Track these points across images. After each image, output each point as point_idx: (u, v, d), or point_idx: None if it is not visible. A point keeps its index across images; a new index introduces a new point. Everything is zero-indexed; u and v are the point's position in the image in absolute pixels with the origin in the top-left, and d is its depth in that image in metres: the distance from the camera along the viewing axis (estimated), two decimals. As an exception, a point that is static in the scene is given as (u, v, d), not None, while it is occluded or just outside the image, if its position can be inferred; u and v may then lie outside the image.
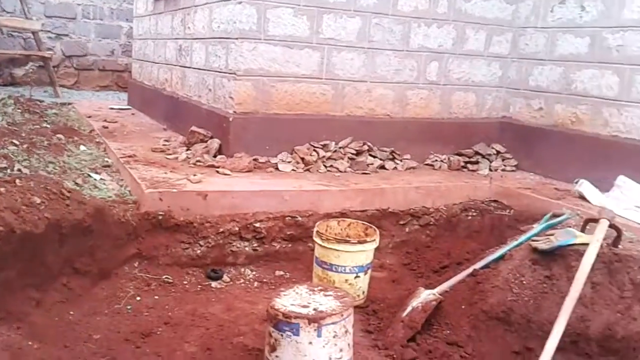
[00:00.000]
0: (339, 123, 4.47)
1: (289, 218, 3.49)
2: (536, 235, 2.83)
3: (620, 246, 2.69)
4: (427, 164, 4.73)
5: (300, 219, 3.52)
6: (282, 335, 2.02)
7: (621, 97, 4.20)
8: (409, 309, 2.68)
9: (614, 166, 4.03)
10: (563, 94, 4.60)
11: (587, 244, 2.52)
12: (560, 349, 2.26)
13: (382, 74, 4.59)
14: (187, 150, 4.26)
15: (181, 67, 5.35)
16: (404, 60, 4.64)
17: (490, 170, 4.68)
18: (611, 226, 2.63)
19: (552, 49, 4.69)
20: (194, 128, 4.40)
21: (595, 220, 2.64)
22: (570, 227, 2.83)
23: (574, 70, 4.52)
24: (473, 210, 4.10)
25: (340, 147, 4.39)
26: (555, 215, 2.97)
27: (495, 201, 4.15)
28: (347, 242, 2.99)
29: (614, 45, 4.24)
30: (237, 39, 4.09)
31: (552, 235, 2.72)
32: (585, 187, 3.91)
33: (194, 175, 3.58)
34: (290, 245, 3.50)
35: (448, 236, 3.94)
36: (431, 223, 3.96)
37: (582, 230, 2.73)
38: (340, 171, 4.18)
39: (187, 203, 3.29)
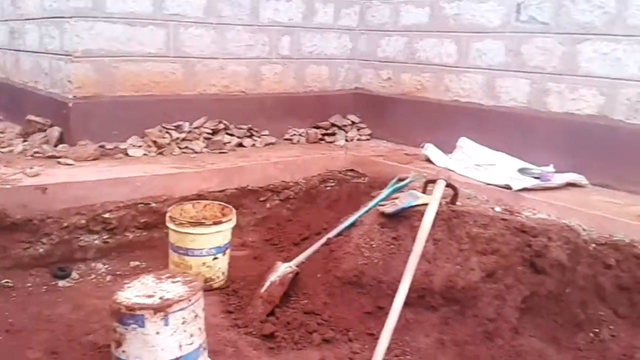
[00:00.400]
0: (192, 102, 4.33)
1: (142, 205, 3.35)
2: (384, 199, 2.95)
3: (458, 203, 2.89)
4: (286, 139, 4.75)
5: (154, 205, 3.39)
6: (127, 329, 1.92)
7: (459, 63, 4.47)
8: (267, 284, 2.69)
9: (456, 129, 4.29)
10: (409, 63, 4.81)
11: (427, 204, 2.67)
12: (408, 304, 2.39)
13: (234, 50, 4.49)
14: (24, 141, 3.90)
15: (14, 51, 4.86)
16: (255, 36, 4.58)
17: (347, 140, 4.81)
18: (448, 185, 2.81)
19: (397, 20, 4.87)
20: (30, 117, 4.03)
21: (434, 182, 2.81)
22: (414, 189, 2.98)
23: (417, 39, 4.73)
24: (331, 180, 4.21)
25: (195, 128, 4.26)
26: (400, 180, 3.11)
27: (351, 170, 4.29)
28: (201, 224, 2.92)
29: (451, 14, 4.48)
30: (71, 17, 3.78)
31: (397, 198, 2.86)
32: (430, 150, 4.14)
33: (31, 168, 3.30)
34: (145, 233, 3.37)
35: (308, 208, 4.01)
36: (291, 197, 4.01)
37: (424, 192, 2.90)
38: (196, 152, 4.06)
39: (24, 199, 3.02)
